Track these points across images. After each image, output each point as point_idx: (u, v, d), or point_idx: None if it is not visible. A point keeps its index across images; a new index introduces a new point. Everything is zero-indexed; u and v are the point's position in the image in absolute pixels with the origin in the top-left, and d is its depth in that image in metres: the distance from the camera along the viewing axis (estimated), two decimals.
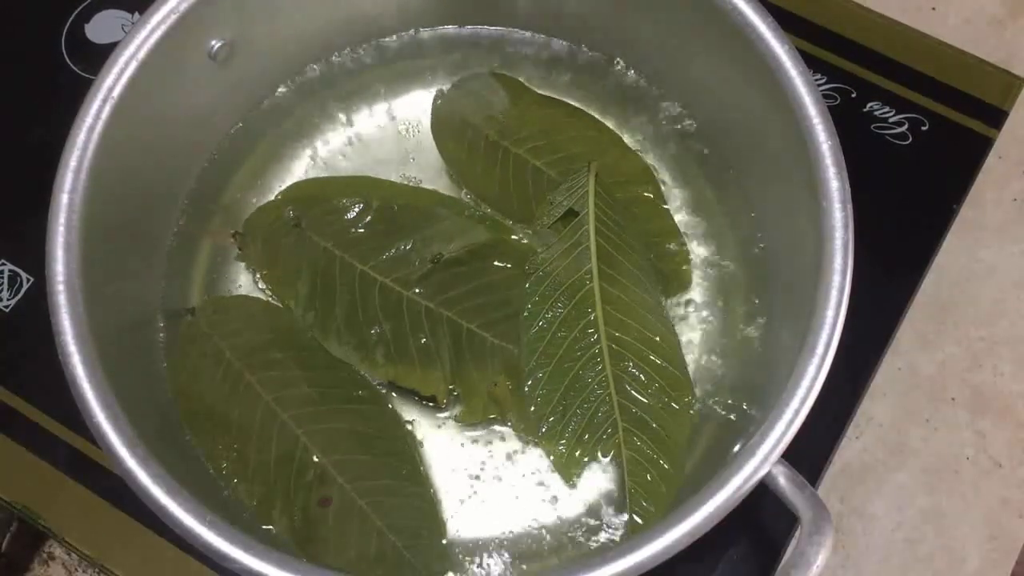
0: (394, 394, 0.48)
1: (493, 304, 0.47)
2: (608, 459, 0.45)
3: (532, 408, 0.46)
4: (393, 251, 0.48)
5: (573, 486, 0.46)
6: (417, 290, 0.47)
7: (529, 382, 0.46)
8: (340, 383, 0.47)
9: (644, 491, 0.44)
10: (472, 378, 0.47)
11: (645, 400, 0.45)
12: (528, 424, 0.46)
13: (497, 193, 0.50)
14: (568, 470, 0.45)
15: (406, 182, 0.52)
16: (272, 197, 0.52)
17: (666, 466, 0.44)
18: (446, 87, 0.53)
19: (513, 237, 0.49)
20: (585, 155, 0.50)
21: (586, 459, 0.45)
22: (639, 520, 0.44)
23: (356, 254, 0.48)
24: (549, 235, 0.47)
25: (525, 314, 0.46)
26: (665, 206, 0.50)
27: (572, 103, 0.53)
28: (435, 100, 0.53)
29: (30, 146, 0.55)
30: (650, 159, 0.52)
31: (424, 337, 0.47)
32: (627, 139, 0.52)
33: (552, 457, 0.46)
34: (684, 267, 0.49)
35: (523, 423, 0.46)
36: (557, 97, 0.53)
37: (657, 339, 0.46)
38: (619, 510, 0.45)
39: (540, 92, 0.53)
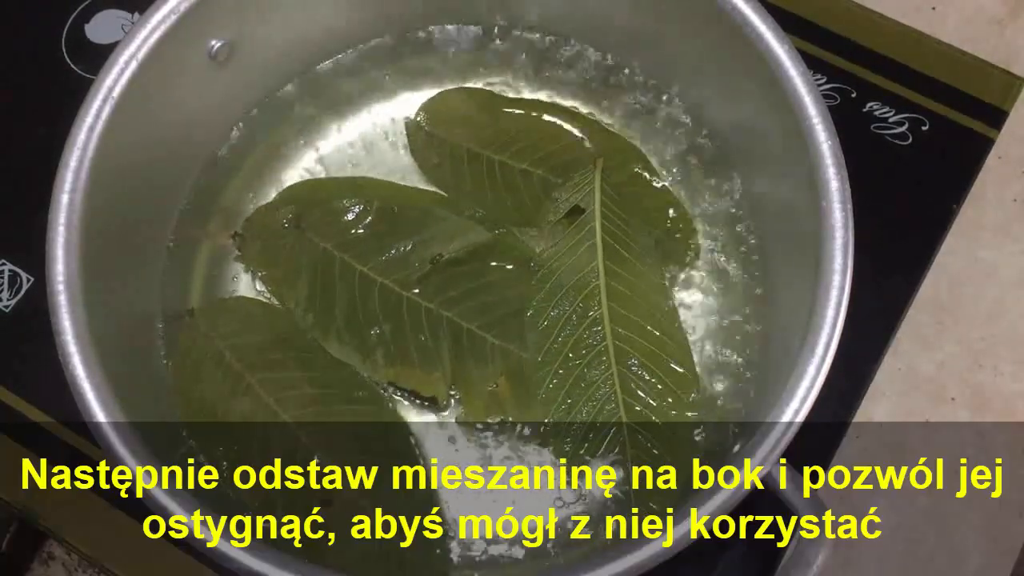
0: (395, 394, 0.48)
1: (493, 304, 0.47)
2: (613, 458, 0.45)
3: (536, 406, 0.46)
4: (393, 252, 0.48)
5: (577, 485, 0.46)
6: (417, 291, 0.47)
7: (534, 380, 0.46)
8: (340, 384, 0.47)
9: (649, 489, 0.44)
10: (472, 378, 0.47)
11: (650, 398, 0.45)
12: (530, 424, 0.46)
13: (491, 203, 0.50)
14: (573, 468, 0.45)
15: (406, 183, 0.52)
16: (272, 198, 0.52)
17: (672, 464, 0.44)
18: (430, 100, 0.53)
19: (512, 237, 0.49)
20: (569, 147, 0.50)
21: (591, 457, 0.45)
22: (644, 518, 0.44)
23: (356, 255, 0.48)
24: (555, 232, 0.47)
25: (530, 312, 0.46)
26: (660, 181, 0.50)
27: (544, 98, 0.53)
28: (407, 129, 0.52)
29: (30, 146, 0.55)
30: (649, 159, 0.52)
31: (424, 338, 0.47)
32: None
33: (557, 455, 0.46)
34: (689, 235, 0.49)
35: (526, 422, 0.46)
36: (534, 97, 0.53)
37: (663, 337, 0.46)
38: (624, 509, 0.45)
39: (509, 96, 0.53)
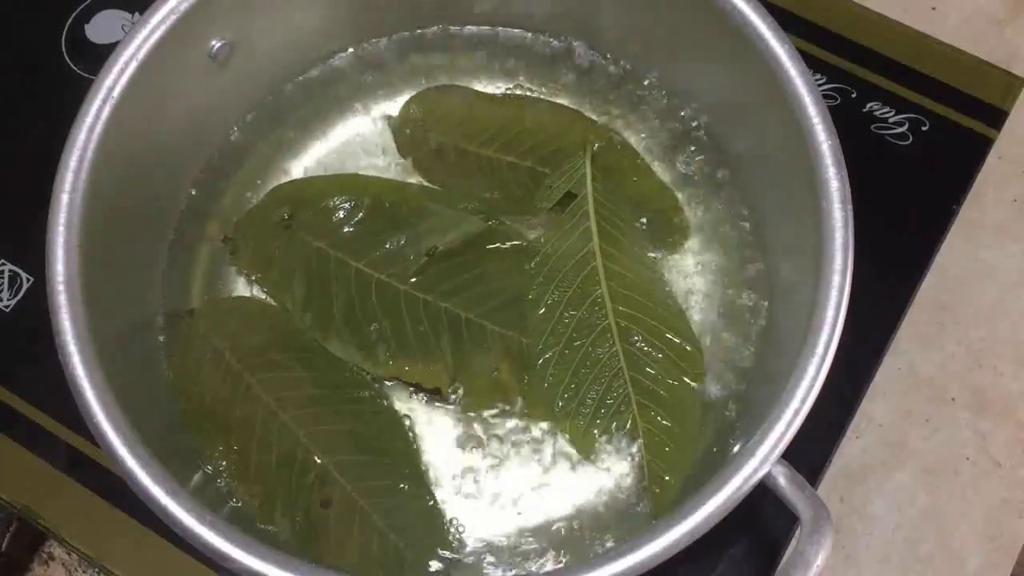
0: (398, 389, 0.47)
1: (490, 292, 0.47)
2: (624, 433, 0.45)
3: (545, 387, 0.46)
4: (387, 247, 0.48)
5: (591, 460, 0.46)
6: (414, 283, 0.47)
7: (539, 363, 0.46)
8: (341, 383, 0.47)
9: (662, 462, 0.45)
10: (475, 367, 0.47)
11: (657, 373, 0.45)
12: (540, 406, 0.46)
13: (483, 197, 0.50)
14: (585, 447, 0.46)
15: (404, 181, 0.52)
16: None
17: (682, 437, 0.45)
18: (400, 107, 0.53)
19: (506, 226, 0.49)
20: (552, 138, 0.51)
21: (602, 434, 0.45)
22: (658, 491, 0.44)
23: (350, 252, 0.48)
24: (549, 219, 0.48)
25: (530, 297, 0.47)
26: (644, 165, 0.51)
27: (533, 94, 0.53)
28: (392, 129, 0.52)
29: (30, 146, 0.55)
30: (650, 160, 0.52)
31: (424, 330, 0.47)
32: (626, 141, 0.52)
33: (569, 435, 0.46)
34: (677, 216, 0.50)
35: (533, 406, 0.46)
36: (519, 92, 0.53)
37: (664, 313, 0.46)
38: (634, 492, 0.45)
39: (488, 91, 0.53)
